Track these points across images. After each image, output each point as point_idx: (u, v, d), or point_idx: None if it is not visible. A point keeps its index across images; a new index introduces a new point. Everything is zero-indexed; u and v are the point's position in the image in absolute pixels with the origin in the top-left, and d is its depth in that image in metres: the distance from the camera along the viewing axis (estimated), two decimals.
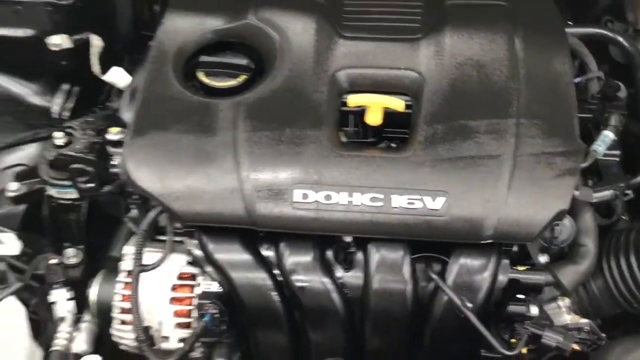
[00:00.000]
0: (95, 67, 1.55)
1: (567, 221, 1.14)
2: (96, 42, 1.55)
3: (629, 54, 1.33)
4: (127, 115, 1.29)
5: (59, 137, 1.36)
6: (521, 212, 1.08)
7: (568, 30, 1.33)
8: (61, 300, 1.32)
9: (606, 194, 1.18)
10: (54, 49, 1.55)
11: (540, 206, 1.08)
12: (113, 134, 1.27)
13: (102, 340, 1.36)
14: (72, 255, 1.41)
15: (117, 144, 1.26)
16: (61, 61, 1.57)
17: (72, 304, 1.32)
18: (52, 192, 1.39)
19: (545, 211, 1.07)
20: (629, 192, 1.22)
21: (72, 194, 1.38)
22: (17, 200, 1.42)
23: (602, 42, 1.45)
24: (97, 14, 1.60)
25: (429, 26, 1.27)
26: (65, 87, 1.63)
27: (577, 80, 1.32)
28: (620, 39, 1.34)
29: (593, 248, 1.15)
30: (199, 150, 1.16)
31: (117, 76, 1.53)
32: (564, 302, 1.17)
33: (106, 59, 1.58)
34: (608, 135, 1.22)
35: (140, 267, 1.17)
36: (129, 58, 1.66)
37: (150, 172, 1.15)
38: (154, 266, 1.19)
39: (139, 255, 1.17)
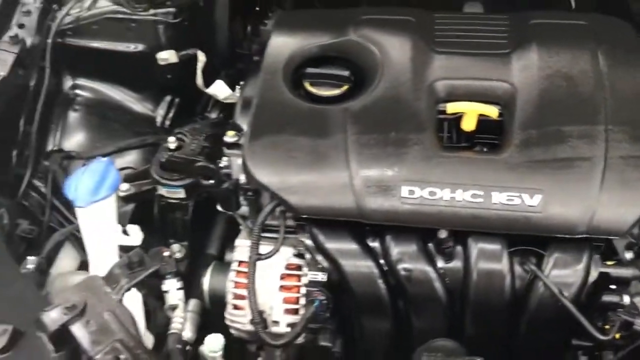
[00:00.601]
0: (200, 80, 1.70)
1: None
2: (201, 58, 1.70)
3: None
4: (241, 120, 1.42)
5: (172, 142, 1.50)
6: (612, 210, 1.18)
7: None
8: (173, 289, 1.44)
9: None
10: (161, 63, 1.70)
11: (630, 204, 1.18)
12: (230, 136, 1.40)
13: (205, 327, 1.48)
14: (177, 250, 1.53)
15: (233, 145, 1.39)
16: (166, 75, 1.73)
17: (182, 293, 1.44)
18: (162, 191, 1.52)
19: (635, 209, 1.17)
20: None
21: (181, 193, 1.52)
22: (127, 199, 1.56)
23: None
24: (199, 33, 1.75)
25: (516, 42, 1.39)
26: (168, 98, 1.78)
27: None
28: None
29: None
30: (312, 150, 1.28)
31: (219, 89, 1.68)
32: None
33: (205, 73, 1.74)
34: None
35: (257, 255, 1.29)
36: (224, 73, 1.81)
37: (269, 169, 1.28)
38: (269, 255, 1.30)
39: (256, 244, 1.29)
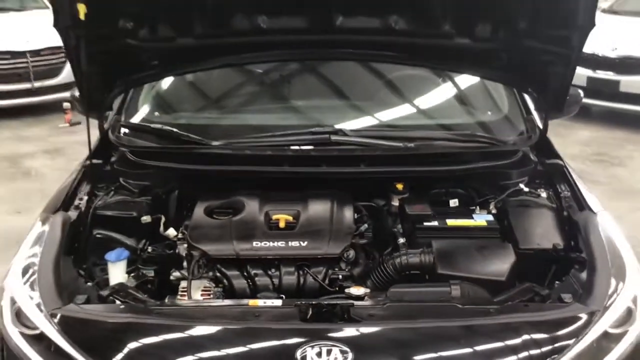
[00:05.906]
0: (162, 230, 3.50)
1: None
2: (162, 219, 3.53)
3: None
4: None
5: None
6: (333, 245, 3.03)
7: None
8: None
9: None
10: (143, 222, 3.50)
11: (338, 243, 3.04)
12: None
13: None
14: None
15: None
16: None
17: None
18: None
19: (340, 246, 3.04)
20: None
21: None
22: None
23: None
24: None
25: (303, 196, 3.37)
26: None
27: None
28: None
29: None
30: None
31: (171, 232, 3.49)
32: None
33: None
34: None
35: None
36: None
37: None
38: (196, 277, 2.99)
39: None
